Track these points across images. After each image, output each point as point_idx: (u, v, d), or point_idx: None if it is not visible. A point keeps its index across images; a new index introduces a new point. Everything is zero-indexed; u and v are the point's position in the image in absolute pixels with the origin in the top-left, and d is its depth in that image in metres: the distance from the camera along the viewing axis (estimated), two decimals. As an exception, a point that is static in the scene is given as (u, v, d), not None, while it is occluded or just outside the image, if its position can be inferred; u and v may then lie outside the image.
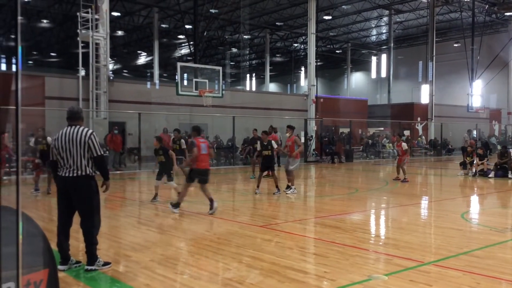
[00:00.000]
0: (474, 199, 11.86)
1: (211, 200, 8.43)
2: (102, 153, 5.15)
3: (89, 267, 4.98)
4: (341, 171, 19.46)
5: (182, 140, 12.71)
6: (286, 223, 7.79)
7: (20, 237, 2.24)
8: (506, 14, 33.97)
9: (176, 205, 8.52)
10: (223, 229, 7.38)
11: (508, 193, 12.65)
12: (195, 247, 6.18)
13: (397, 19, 38.22)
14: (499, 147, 22.80)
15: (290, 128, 11.59)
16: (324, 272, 4.95)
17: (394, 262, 5.33)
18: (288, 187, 11.45)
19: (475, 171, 16.50)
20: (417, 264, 5.24)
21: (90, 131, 5.06)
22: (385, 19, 38.20)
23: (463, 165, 17.16)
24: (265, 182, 12.87)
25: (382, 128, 33.03)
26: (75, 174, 4.94)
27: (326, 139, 24.80)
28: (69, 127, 5.05)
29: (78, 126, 5.04)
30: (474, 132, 29.27)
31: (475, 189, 13.71)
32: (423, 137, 31.39)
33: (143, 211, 9.37)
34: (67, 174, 4.96)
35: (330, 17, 35.95)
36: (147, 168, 19.17)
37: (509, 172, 15.49)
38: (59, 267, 4.87)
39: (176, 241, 6.51)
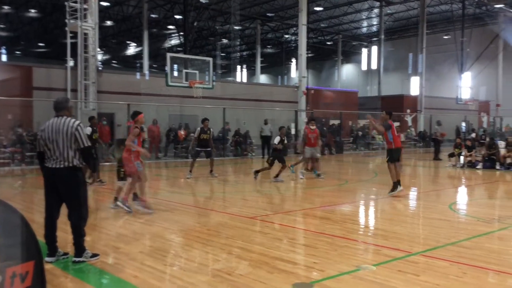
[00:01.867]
0: (462, 190, 11.98)
1: (395, 183, 9.31)
2: (89, 144, 5.09)
3: (77, 259, 4.95)
4: (331, 162, 19.50)
5: (212, 130, 12.80)
6: (276, 215, 7.80)
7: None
8: (496, 6, 34.14)
9: (396, 185, 9.43)
10: (212, 221, 7.38)
11: (495, 184, 12.78)
12: (184, 238, 6.17)
13: (388, 11, 38.22)
14: (487, 138, 22.98)
15: (315, 121, 13.57)
16: (313, 262, 4.97)
17: (382, 253, 5.37)
18: (319, 174, 13.01)
19: (463, 162, 16.66)
20: (405, 254, 5.28)
21: (77, 122, 4.99)
22: (376, 10, 38.21)
23: (451, 155, 17.29)
24: (265, 177, 12.85)
25: (372, 120, 33.12)
26: (62, 166, 4.88)
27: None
28: (56, 118, 4.98)
29: (65, 117, 4.97)
30: (463, 124, 29.49)
31: (463, 180, 13.84)
32: (413, 128, 31.58)
33: (132, 202, 9.30)
34: (54, 166, 4.90)
35: (321, 8, 35.88)
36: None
37: (497, 163, 15.67)
38: (47, 259, 4.84)
39: (165, 232, 6.48)
